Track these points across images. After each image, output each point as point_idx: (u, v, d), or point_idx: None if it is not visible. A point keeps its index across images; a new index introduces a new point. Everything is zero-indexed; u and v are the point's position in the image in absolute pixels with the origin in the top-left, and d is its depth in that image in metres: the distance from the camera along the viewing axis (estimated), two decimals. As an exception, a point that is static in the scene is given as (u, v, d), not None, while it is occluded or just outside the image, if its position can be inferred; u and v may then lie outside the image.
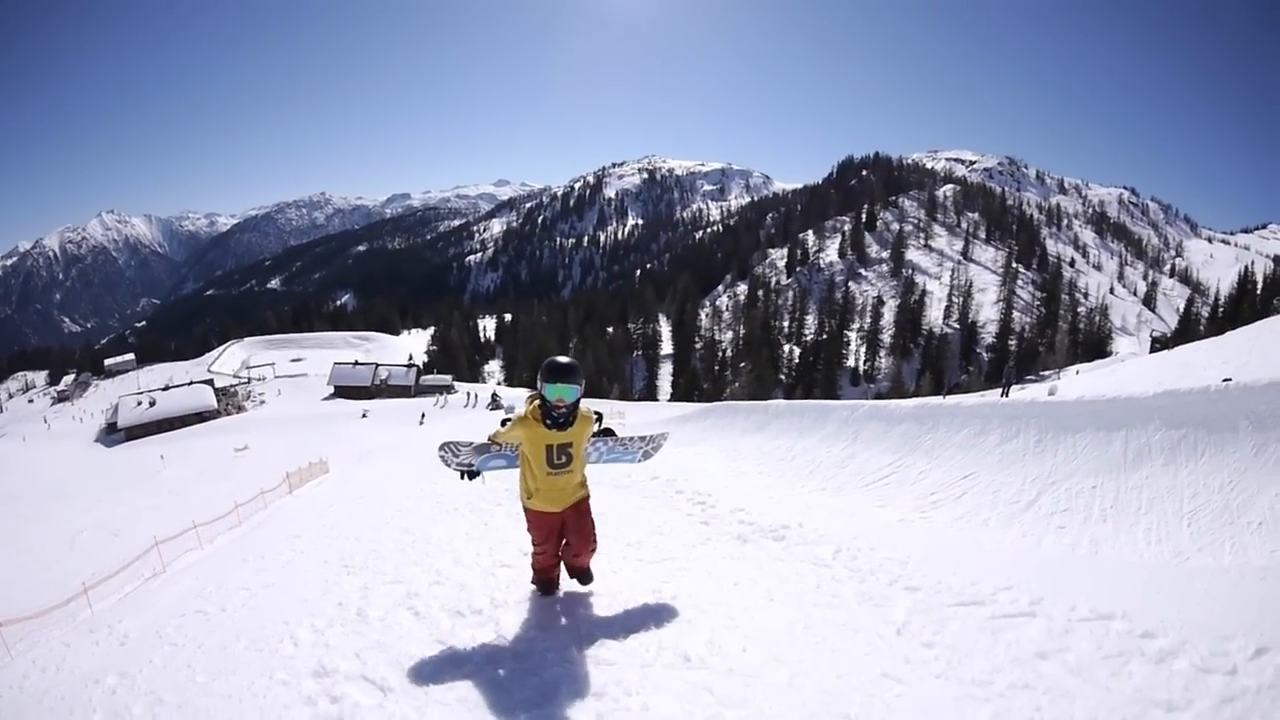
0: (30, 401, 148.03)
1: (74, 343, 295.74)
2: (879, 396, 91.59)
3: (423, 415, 72.90)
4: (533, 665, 5.21)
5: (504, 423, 6.40)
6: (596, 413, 6.65)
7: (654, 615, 6.05)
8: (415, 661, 5.59)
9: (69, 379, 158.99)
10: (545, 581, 6.78)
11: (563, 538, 6.50)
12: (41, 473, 57.54)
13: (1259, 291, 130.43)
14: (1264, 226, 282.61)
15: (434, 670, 5.41)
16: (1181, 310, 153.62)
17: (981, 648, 5.03)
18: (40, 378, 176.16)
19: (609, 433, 7.11)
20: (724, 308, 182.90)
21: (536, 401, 6.13)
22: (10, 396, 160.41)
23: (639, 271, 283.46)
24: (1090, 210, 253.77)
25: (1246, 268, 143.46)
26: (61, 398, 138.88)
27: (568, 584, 6.73)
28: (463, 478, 6.84)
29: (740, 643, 5.41)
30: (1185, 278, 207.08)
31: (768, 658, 5.15)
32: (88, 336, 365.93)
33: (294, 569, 10.52)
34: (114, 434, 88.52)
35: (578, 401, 6.10)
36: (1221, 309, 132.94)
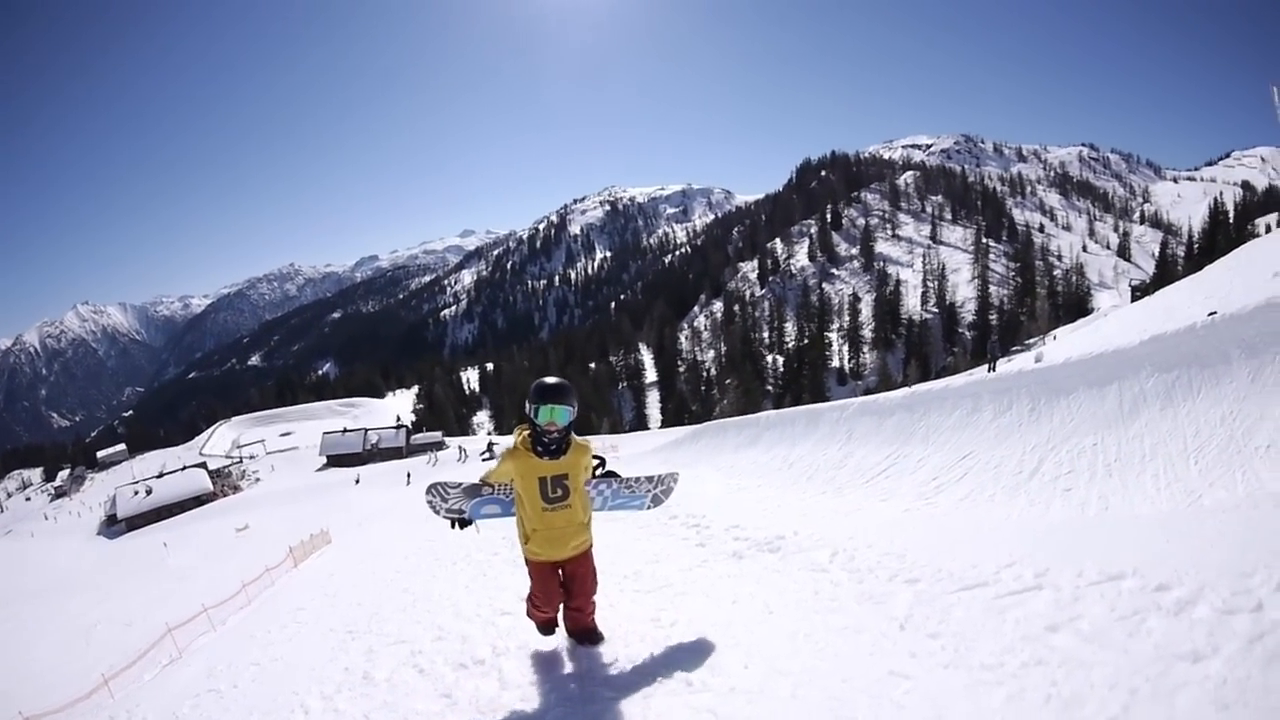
0: (28, 499, 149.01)
1: (64, 437, 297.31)
2: (868, 392, 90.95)
3: (409, 475, 72.22)
4: (537, 708, 5.20)
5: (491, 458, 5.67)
6: (597, 457, 6.23)
7: (653, 644, 5.97)
8: (421, 717, 5.61)
9: (64, 474, 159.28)
10: (544, 623, 6.25)
11: (561, 595, 6.00)
12: (49, 568, 58.03)
13: (1231, 221, 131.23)
14: (1227, 156, 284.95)
15: None
16: (1157, 255, 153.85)
17: (989, 630, 4.91)
18: (36, 475, 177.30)
19: (612, 475, 6.60)
20: (702, 327, 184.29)
21: (526, 430, 5.71)
22: (9, 495, 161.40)
23: (614, 304, 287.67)
24: (1052, 173, 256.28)
25: (1215, 200, 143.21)
26: (59, 493, 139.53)
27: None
28: (454, 526, 6.34)
29: (741, 660, 5.34)
30: (1156, 222, 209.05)
31: (769, 671, 5.06)
32: (77, 430, 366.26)
33: (299, 640, 10.57)
34: (115, 525, 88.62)
35: (570, 426, 5.62)
36: (1197, 245, 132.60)
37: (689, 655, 5.60)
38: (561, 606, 6.12)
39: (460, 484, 6.33)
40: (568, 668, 5.79)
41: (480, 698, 5.64)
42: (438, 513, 6.43)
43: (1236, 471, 7.54)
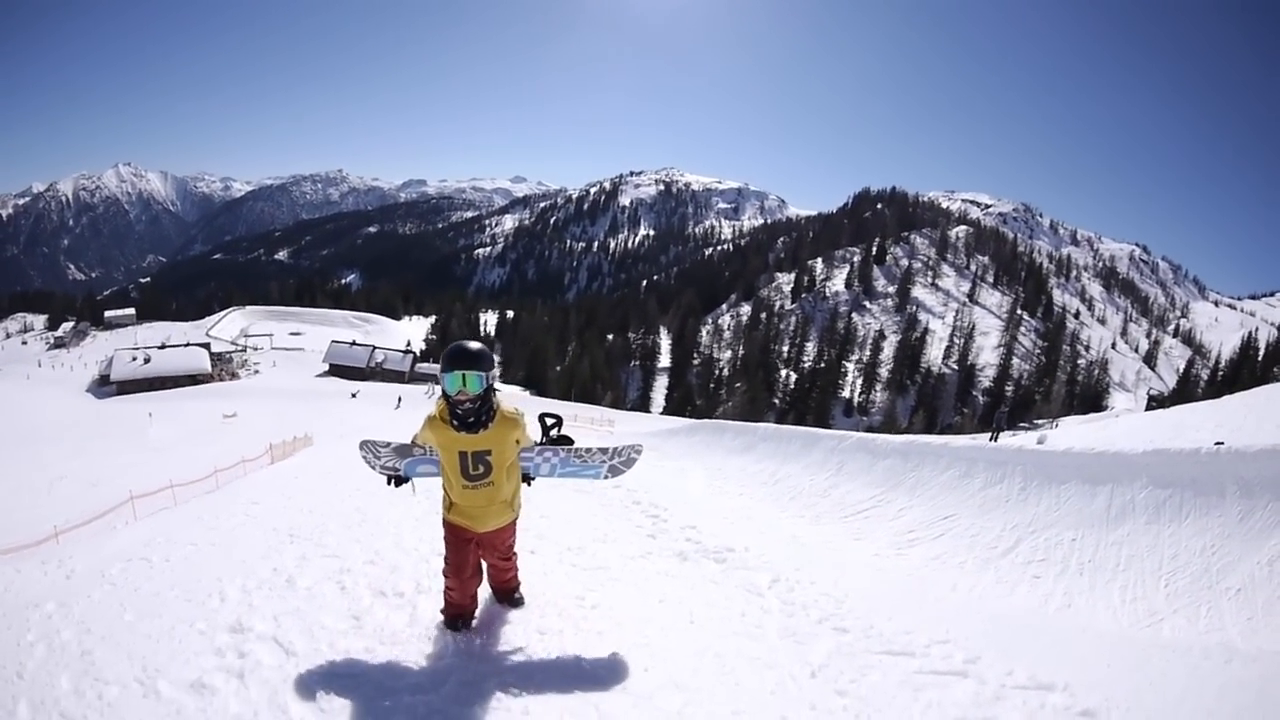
0: (24, 344, 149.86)
1: (77, 290, 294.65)
2: (870, 429, 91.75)
3: (399, 399, 73.23)
4: (434, 652, 5.36)
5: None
6: (551, 415, 6.05)
7: (568, 620, 6.06)
8: (325, 632, 5.76)
9: (68, 326, 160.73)
10: (454, 617, 5.79)
11: (479, 568, 5.80)
12: (29, 415, 58.81)
13: (1260, 358, 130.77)
14: (1272, 294, 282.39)
15: (340, 643, 5.56)
16: (1181, 371, 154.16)
17: (898, 704, 4.85)
18: (39, 321, 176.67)
19: (564, 440, 6.08)
20: (725, 327, 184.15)
21: (444, 399, 5.27)
22: (8, 336, 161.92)
23: (645, 282, 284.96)
24: (1100, 264, 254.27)
25: (1250, 333, 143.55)
26: (58, 344, 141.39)
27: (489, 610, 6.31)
28: (389, 483, 6.11)
29: (644, 662, 5.34)
30: (1188, 339, 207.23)
31: (666, 681, 5.06)
32: (91, 286, 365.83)
33: (241, 532, 10.63)
34: (106, 386, 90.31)
35: (487, 394, 5.17)
36: (1221, 372, 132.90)
37: (595, 643, 5.66)
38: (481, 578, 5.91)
39: (390, 443, 6.17)
40: (479, 621, 5.85)
41: (386, 628, 5.82)
42: (372, 468, 6.30)
43: (1202, 606, 7.48)
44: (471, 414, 5.13)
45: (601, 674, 5.11)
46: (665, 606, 6.79)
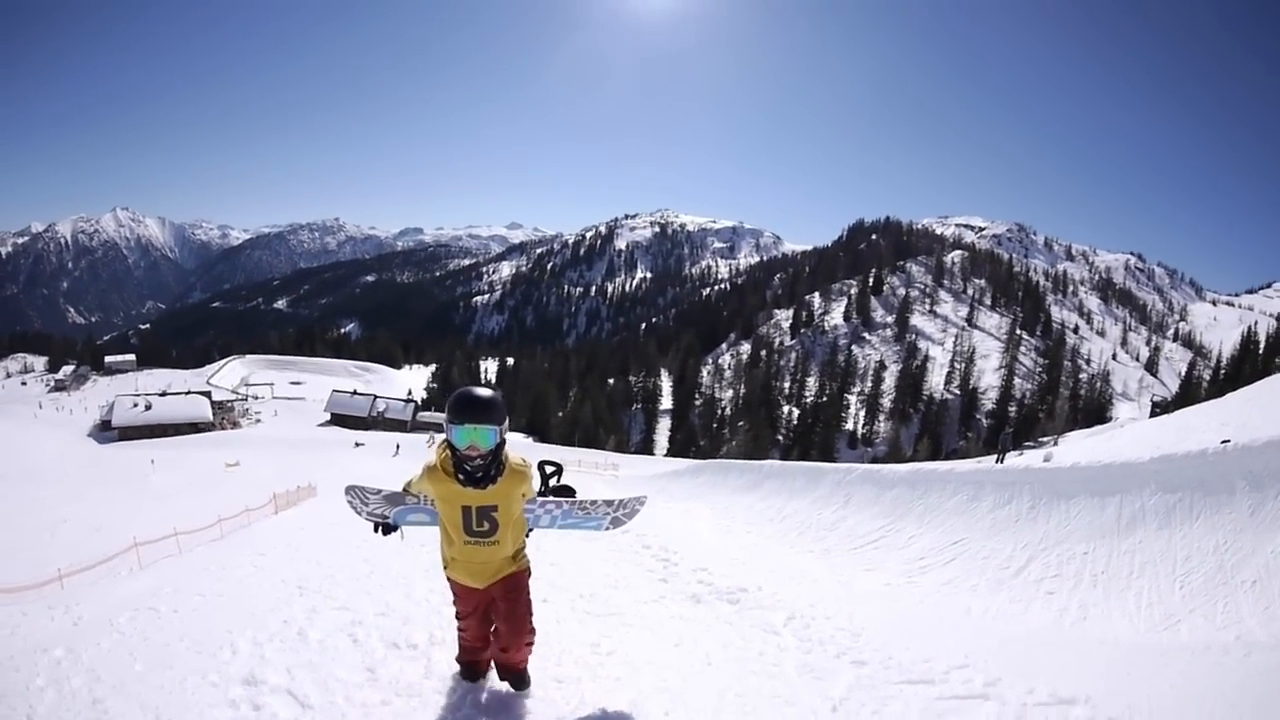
0: (23, 384, 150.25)
1: (77, 333, 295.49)
2: (876, 460, 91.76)
3: (398, 446, 73.02)
4: (451, 703, 5.23)
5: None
6: (551, 464, 5.63)
7: (586, 670, 5.97)
8: (340, 685, 5.67)
9: (68, 369, 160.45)
10: (469, 664, 5.57)
11: (490, 619, 5.33)
12: (31, 458, 58.45)
13: (1260, 352, 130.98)
14: (1269, 286, 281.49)
15: (356, 695, 5.47)
16: (1183, 374, 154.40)
17: (921, 733, 4.77)
18: (39, 363, 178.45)
19: (566, 491, 5.65)
20: (726, 366, 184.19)
21: (447, 449, 4.79)
22: (8, 376, 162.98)
23: (644, 325, 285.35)
24: (1096, 277, 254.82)
25: (1249, 328, 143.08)
26: (58, 387, 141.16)
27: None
28: (376, 530, 5.59)
29: (665, 706, 5.30)
30: (1189, 341, 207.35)
31: (687, 725, 4.95)
32: (91, 330, 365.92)
33: (250, 584, 10.66)
34: (107, 431, 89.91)
35: (499, 449, 4.72)
36: (1223, 371, 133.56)
37: (615, 689, 5.62)
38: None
39: (380, 490, 5.69)
40: (494, 673, 5.65)
41: (401, 680, 5.72)
42: (359, 514, 5.77)
43: (1219, 603, 7.52)
44: (480, 470, 4.67)
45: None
46: (681, 650, 6.77)
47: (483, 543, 4.94)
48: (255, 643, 6.86)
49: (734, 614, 7.97)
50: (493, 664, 5.54)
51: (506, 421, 4.70)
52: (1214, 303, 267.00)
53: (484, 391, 4.68)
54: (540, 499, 5.52)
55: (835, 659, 6.31)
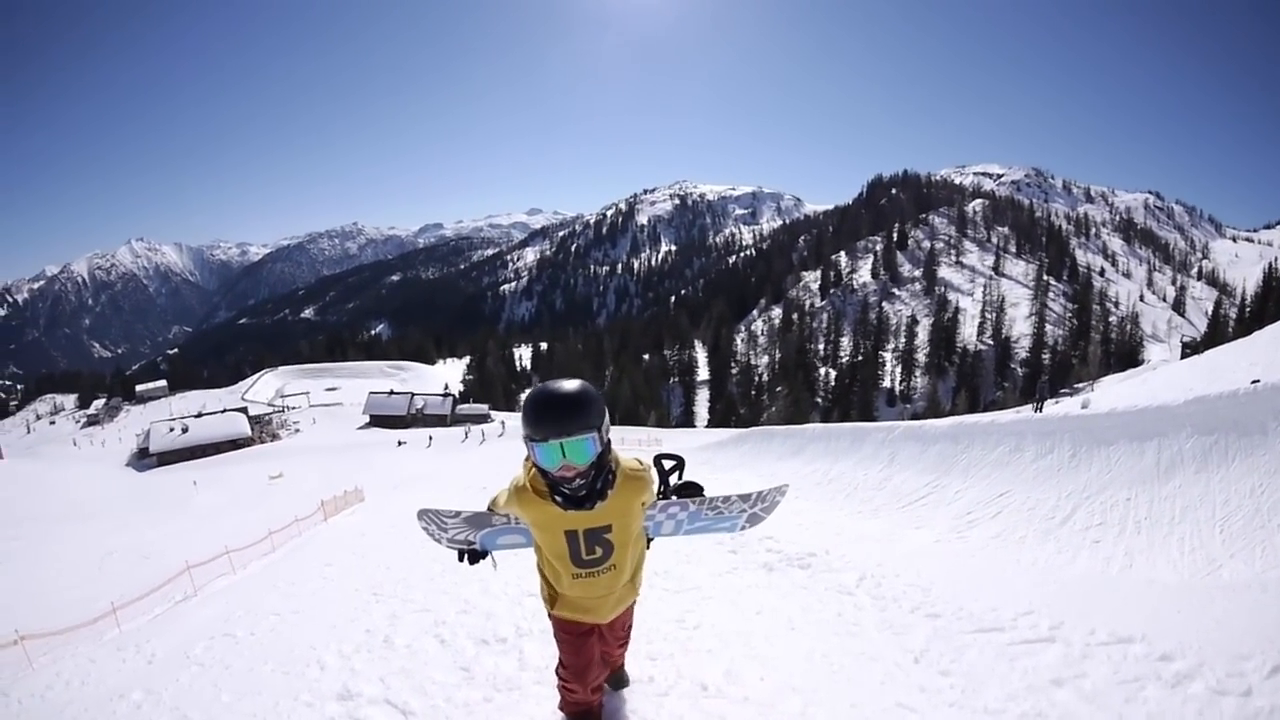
0: (52, 423, 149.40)
1: (104, 368, 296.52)
2: (915, 417, 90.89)
3: (430, 438, 73.09)
4: (553, 693, 4.90)
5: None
6: (670, 457, 4.50)
7: (676, 645, 5.97)
8: (438, 687, 5.64)
9: (99, 403, 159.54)
10: (576, 712, 4.56)
11: (602, 660, 4.46)
12: (70, 493, 56.90)
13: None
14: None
15: (456, 696, 5.43)
16: (1210, 313, 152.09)
17: (998, 675, 5.02)
18: (69, 401, 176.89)
19: (692, 489, 4.53)
20: (759, 332, 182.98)
21: (534, 467, 3.74)
22: (39, 418, 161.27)
23: (674, 298, 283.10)
24: (1117, 217, 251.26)
25: (1271, 264, 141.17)
26: (91, 421, 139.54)
27: None
28: (461, 559, 4.68)
29: (758, 671, 5.38)
30: (1212, 279, 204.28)
31: (783, 687, 5.12)
32: (118, 362, 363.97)
33: (323, 596, 10.73)
34: (146, 459, 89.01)
35: (603, 455, 3.62)
36: (1249, 308, 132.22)
37: (708, 661, 5.66)
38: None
39: (460, 512, 4.60)
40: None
41: (498, 675, 5.70)
42: (438, 542, 4.81)
43: (1257, 546, 7.54)
44: (584, 489, 3.62)
45: (721, 688, 5.14)
46: (763, 617, 6.89)
47: (597, 573, 3.95)
48: (342, 656, 6.91)
49: (807, 579, 8.14)
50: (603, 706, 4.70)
51: (606, 419, 3.56)
52: (1234, 239, 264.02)
53: (568, 387, 3.50)
54: (661, 503, 4.42)
55: (910, 614, 6.52)
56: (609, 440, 3.64)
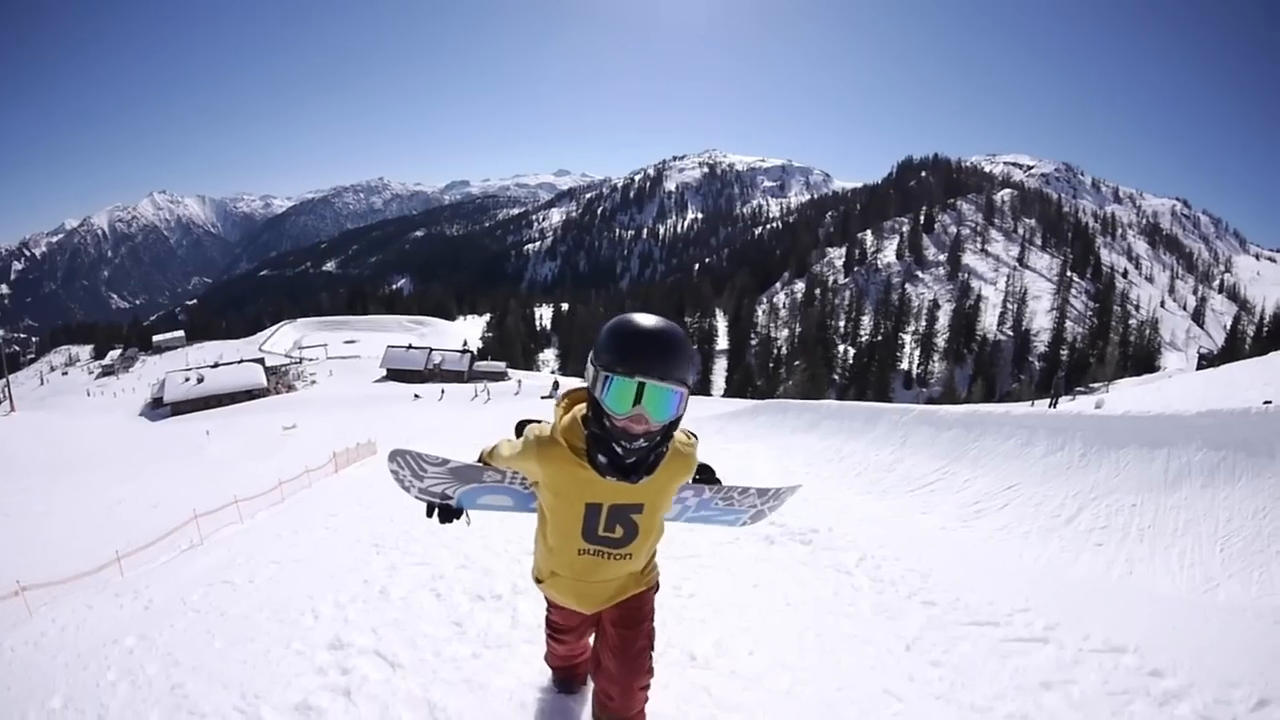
0: (64, 375, 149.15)
1: (122, 319, 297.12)
2: (930, 401, 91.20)
3: (442, 391, 73.58)
4: (542, 650, 4.79)
5: (520, 429, 3.50)
6: (688, 434, 3.51)
7: (670, 612, 5.80)
8: (429, 640, 5.66)
9: (115, 354, 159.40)
10: (566, 674, 4.42)
11: (593, 639, 3.90)
12: (81, 443, 57.17)
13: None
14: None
15: (445, 650, 5.45)
16: (1228, 327, 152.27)
17: (988, 671, 5.03)
18: (85, 351, 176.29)
19: (707, 474, 3.93)
20: (781, 305, 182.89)
21: (579, 409, 3.19)
22: (53, 369, 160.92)
23: (697, 265, 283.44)
24: (1144, 221, 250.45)
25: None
26: (106, 372, 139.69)
27: None
28: (431, 514, 3.91)
29: (749, 646, 5.39)
30: (1233, 294, 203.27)
31: (772, 663, 5.12)
32: (136, 313, 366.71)
33: (325, 546, 10.75)
34: (159, 409, 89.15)
35: (675, 425, 3.06)
36: (1266, 328, 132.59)
37: (699, 630, 5.66)
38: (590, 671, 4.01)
39: (446, 460, 3.78)
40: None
41: (490, 632, 5.71)
42: (407, 490, 3.91)
43: (1255, 570, 7.57)
44: (640, 455, 2.99)
45: (710, 660, 5.14)
46: (760, 591, 6.91)
47: (607, 554, 3.35)
48: (337, 605, 6.90)
49: (807, 555, 8.16)
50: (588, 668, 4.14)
51: (695, 375, 2.35)
52: (1257, 256, 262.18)
53: (660, 324, 2.86)
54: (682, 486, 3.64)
55: (906, 599, 6.53)
56: (684, 409, 2.94)
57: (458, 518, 3.91)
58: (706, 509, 4.11)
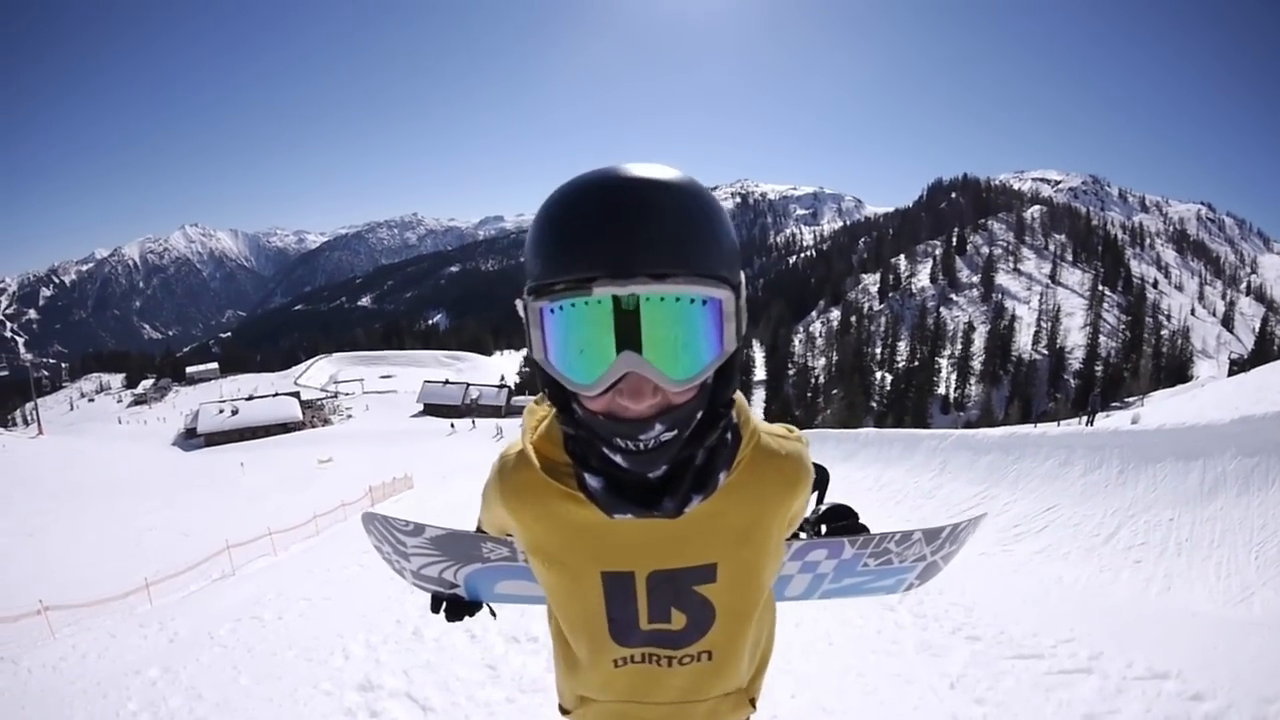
0: (92, 401, 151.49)
1: (154, 349, 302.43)
2: (968, 425, 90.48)
3: (473, 424, 75.30)
4: None
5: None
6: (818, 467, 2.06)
7: None
8: (461, 684, 5.57)
9: (147, 383, 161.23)
10: None
11: None
12: (111, 470, 57.06)
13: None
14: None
15: (479, 694, 5.35)
16: (1257, 330, 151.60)
17: (1032, 707, 4.90)
18: (116, 380, 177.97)
19: (845, 519, 2.33)
20: (817, 334, 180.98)
21: (541, 414, 1.65)
22: (83, 395, 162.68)
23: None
24: (1171, 228, 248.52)
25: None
26: (139, 400, 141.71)
27: None
28: (438, 609, 2.18)
29: (791, 688, 5.27)
30: (1260, 295, 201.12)
31: (814, 706, 5.01)
32: (169, 344, 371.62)
33: (358, 583, 10.73)
34: (193, 439, 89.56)
35: (727, 380, 1.31)
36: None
37: None
38: None
39: (424, 527, 2.14)
40: None
41: (524, 676, 5.62)
42: (401, 575, 2.36)
43: (1287, 574, 7.47)
44: (670, 451, 1.26)
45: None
46: (802, 630, 6.73)
47: (667, 657, 1.68)
48: (369, 645, 6.86)
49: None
50: None
51: (743, 280, 1.26)
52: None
53: (661, 175, 1.18)
54: (804, 542, 2.20)
55: (950, 635, 6.41)
56: (740, 349, 1.26)
57: (472, 613, 2.22)
58: (851, 574, 2.38)
